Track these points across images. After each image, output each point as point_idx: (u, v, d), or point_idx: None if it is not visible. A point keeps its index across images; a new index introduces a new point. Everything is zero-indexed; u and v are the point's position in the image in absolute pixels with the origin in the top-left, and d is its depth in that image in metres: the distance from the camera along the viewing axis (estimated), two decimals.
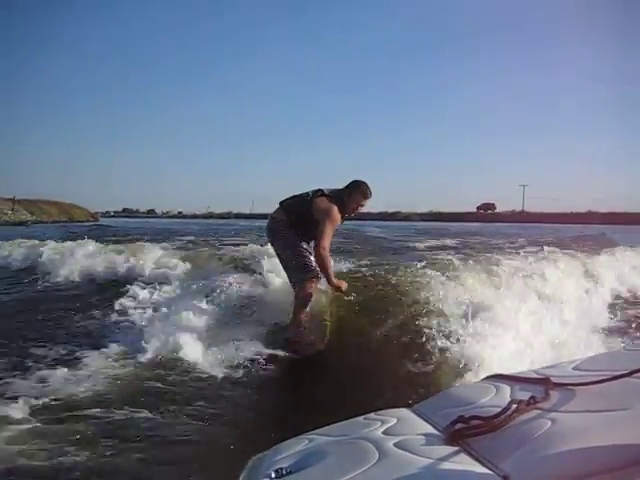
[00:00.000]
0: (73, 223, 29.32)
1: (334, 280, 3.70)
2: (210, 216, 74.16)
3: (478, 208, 66.04)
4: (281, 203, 3.90)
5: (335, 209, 3.64)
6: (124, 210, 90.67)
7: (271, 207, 4.00)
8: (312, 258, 3.71)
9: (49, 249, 7.73)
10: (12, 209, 34.40)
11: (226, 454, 2.30)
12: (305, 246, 3.76)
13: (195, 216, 77.68)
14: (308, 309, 3.73)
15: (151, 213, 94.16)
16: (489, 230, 19.89)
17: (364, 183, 3.78)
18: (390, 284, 4.19)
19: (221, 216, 69.80)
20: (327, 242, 3.61)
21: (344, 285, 3.76)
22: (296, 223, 3.74)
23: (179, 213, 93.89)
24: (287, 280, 3.95)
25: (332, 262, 3.77)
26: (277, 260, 4.01)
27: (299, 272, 3.71)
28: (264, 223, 4.23)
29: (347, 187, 3.76)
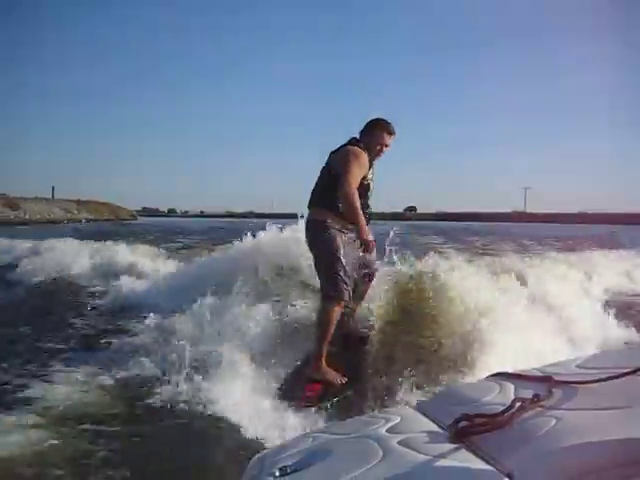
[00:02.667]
0: (120, 221, 36.28)
1: (366, 232, 2.93)
2: (231, 215, 74.49)
3: (405, 210, 77.49)
4: (309, 204, 3.28)
5: (356, 148, 3.06)
6: (144, 209, 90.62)
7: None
8: (345, 275, 3.01)
9: None
10: (77, 209, 43.33)
11: (231, 451, 2.31)
12: (340, 250, 3.03)
13: (217, 215, 77.86)
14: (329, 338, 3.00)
15: (171, 212, 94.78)
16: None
17: (382, 119, 3.20)
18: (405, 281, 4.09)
19: (243, 215, 70.08)
20: (352, 177, 2.91)
21: (371, 239, 3.00)
22: (325, 204, 3.09)
23: (201, 213, 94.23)
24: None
25: (358, 204, 2.93)
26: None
27: (323, 285, 3.11)
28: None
29: (364, 129, 3.21)
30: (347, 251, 3.07)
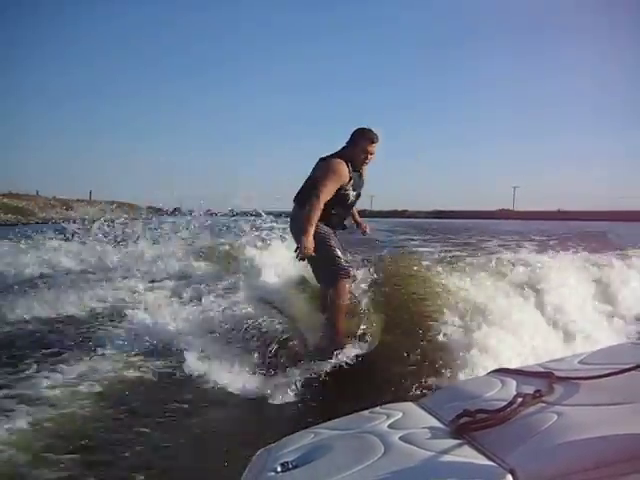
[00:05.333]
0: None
1: (307, 238, 3.12)
2: (237, 214, 75.65)
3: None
4: (294, 199, 3.57)
5: (336, 161, 3.31)
6: (148, 208, 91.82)
7: (291, 204, 3.70)
8: (340, 253, 3.35)
9: None
10: (112, 210, 47.47)
11: (233, 447, 2.31)
12: (332, 240, 3.37)
13: (224, 214, 78.99)
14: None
15: (177, 211, 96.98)
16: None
17: (367, 128, 3.41)
18: (400, 278, 4.09)
19: (250, 213, 71.16)
20: (322, 191, 3.21)
21: (310, 249, 3.14)
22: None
23: (207, 211, 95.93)
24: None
25: (316, 218, 3.20)
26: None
27: (327, 272, 3.36)
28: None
29: (350, 139, 3.43)
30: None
